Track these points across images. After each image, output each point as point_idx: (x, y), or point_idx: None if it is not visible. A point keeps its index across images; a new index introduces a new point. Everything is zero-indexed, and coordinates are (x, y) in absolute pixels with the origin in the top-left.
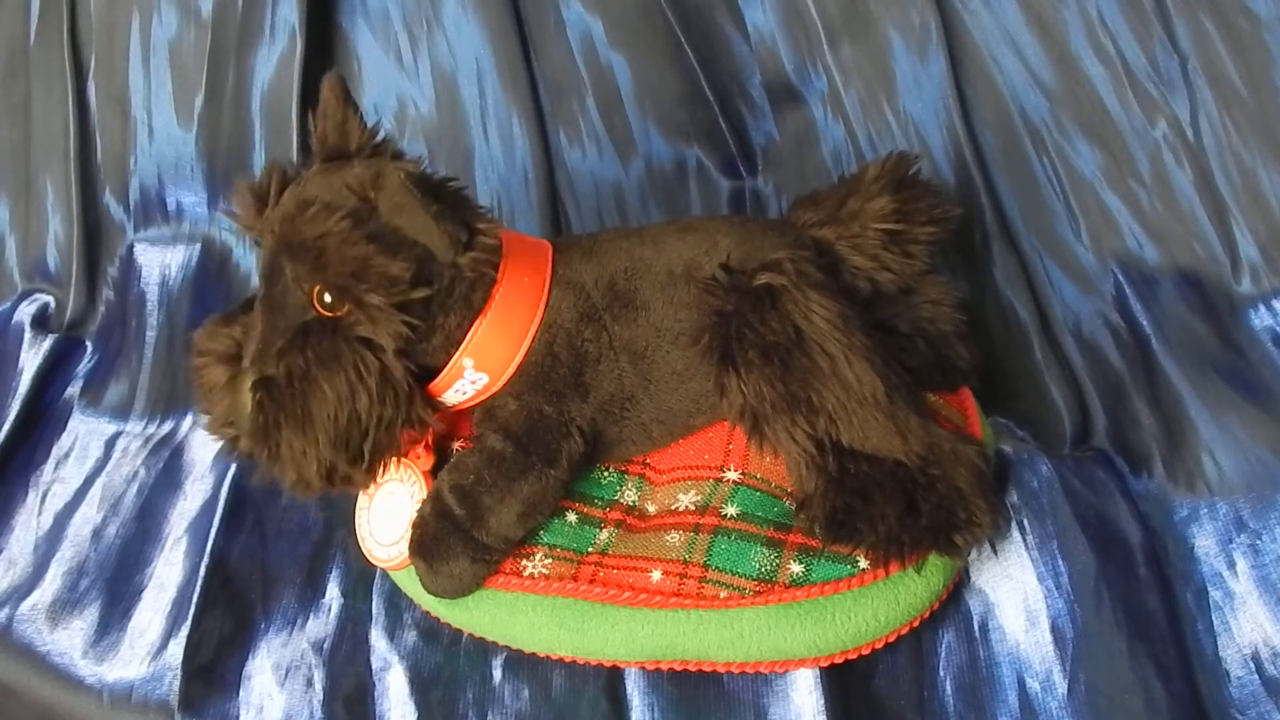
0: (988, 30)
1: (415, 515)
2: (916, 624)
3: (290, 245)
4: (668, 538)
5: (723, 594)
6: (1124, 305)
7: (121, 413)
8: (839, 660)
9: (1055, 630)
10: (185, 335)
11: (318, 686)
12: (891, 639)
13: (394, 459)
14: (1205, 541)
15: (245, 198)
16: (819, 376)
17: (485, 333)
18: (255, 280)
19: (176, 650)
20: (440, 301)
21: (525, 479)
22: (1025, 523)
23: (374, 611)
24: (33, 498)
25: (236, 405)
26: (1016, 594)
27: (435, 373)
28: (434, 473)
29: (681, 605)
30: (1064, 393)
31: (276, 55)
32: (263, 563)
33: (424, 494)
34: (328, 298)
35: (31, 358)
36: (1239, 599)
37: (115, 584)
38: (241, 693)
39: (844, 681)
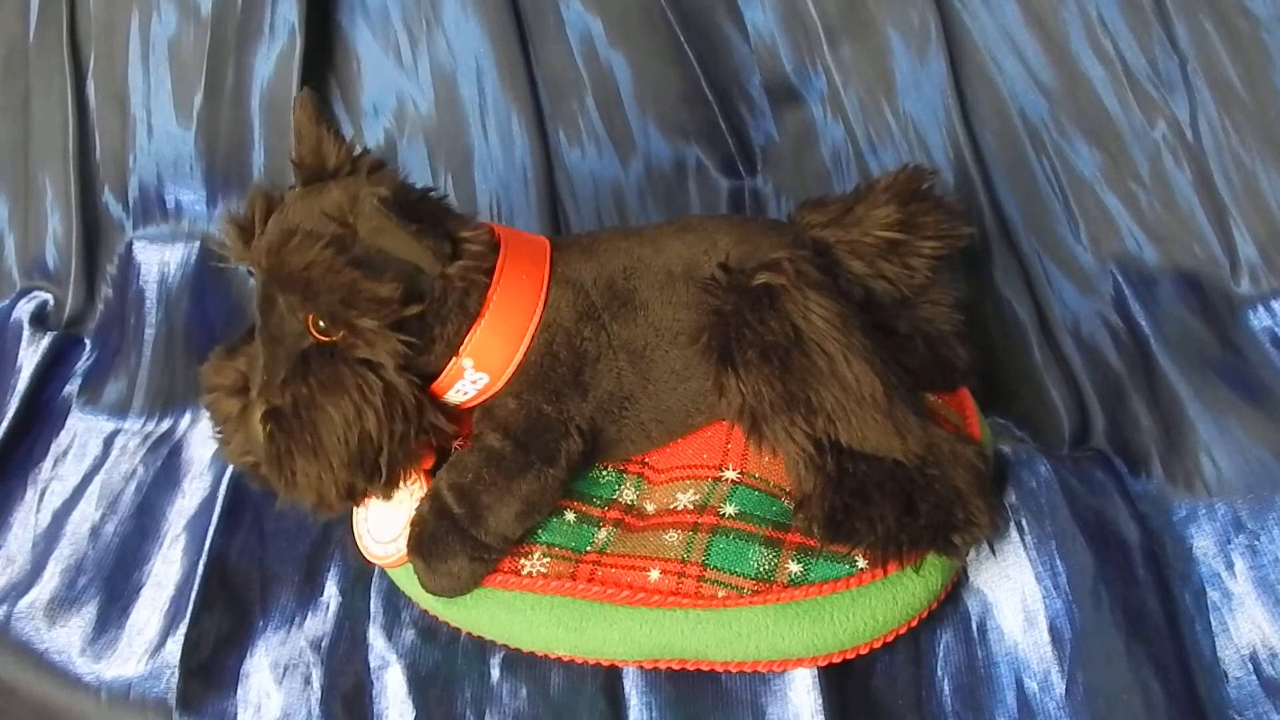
0: (987, 31)
1: (414, 513)
2: (915, 624)
3: (279, 277)
4: (666, 537)
5: (721, 593)
6: (1123, 306)
7: (120, 410)
8: (837, 660)
9: (1053, 630)
10: (184, 333)
11: (316, 685)
12: (890, 639)
13: (413, 468)
14: (1204, 542)
15: (231, 231)
16: (818, 376)
17: (484, 332)
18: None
19: (174, 648)
20: (435, 313)
21: (524, 478)
22: (1024, 523)
23: (372, 610)
24: (31, 495)
25: (250, 437)
26: (1015, 594)
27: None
28: (433, 471)
29: (680, 604)
30: (1063, 393)
31: (276, 54)
32: (261, 561)
33: (422, 492)
34: (322, 324)
35: (30, 355)
36: (1237, 600)
37: (113, 582)
38: (239, 691)
39: (842, 681)
